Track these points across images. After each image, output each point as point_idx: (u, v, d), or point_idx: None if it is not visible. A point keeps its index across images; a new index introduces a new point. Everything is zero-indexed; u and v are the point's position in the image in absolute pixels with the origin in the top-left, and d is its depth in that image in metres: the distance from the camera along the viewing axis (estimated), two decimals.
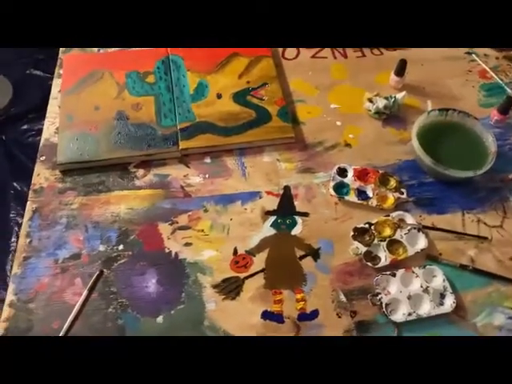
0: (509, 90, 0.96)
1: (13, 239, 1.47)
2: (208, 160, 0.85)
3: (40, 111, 1.70)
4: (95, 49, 0.99)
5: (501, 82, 0.97)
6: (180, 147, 0.83)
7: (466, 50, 1.03)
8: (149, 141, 0.84)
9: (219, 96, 0.90)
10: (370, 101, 0.92)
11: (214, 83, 0.92)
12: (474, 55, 1.02)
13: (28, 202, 0.78)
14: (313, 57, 1.01)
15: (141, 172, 0.82)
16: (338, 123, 0.91)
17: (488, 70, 0.99)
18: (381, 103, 0.90)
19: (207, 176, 0.83)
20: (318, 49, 1.02)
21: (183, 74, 0.93)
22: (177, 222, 0.77)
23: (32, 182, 0.80)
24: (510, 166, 0.86)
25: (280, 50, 1.01)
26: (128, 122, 0.86)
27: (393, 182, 0.82)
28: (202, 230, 0.76)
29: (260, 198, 0.80)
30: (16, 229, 1.48)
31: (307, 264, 0.74)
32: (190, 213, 0.78)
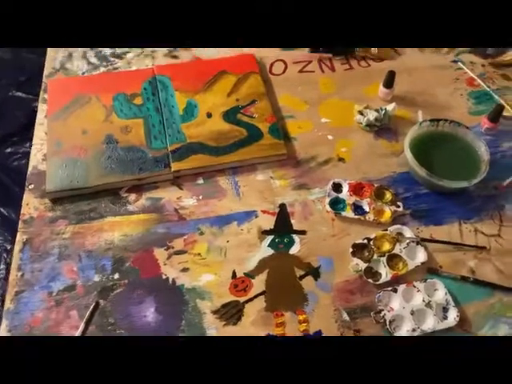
0: (497, 98, 0.96)
1: (1, 266, 1.43)
2: (201, 181, 0.83)
3: (24, 134, 1.68)
4: (80, 72, 0.98)
5: (488, 90, 0.98)
6: (172, 169, 0.82)
7: (453, 58, 1.04)
8: (140, 164, 0.82)
9: (209, 115, 0.89)
10: (361, 113, 0.91)
11: (203, 102, 0.91)
12: (460, 63, 1.03)
13: (18, 234, 0.76)
14: (300, 71, 1.01)
15: (133, 197, 0.81)
16: (330, 137, 0.90)
17: (475, 77, 1.00)
18: (371, 115, 0.90)
19: (201, 197, 0.81)
20: (305, 63, 1.02)
21: (171, 94, 0.92)
22: (172, 247, 0.75)
23: (21, 211, 0.78)
24: (502, 173, 0.86)
25: (267, 65, 1.01)
26: (117, 146, 0.84)
27: (388, 195, 0.82)
28: (199, 254, 0.75)
29: (256, 217, 0.79)
30: (4, 255, 1.44)
31: (308, 283, 0.73)
32: (185, 236, 0.77)
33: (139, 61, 1.01)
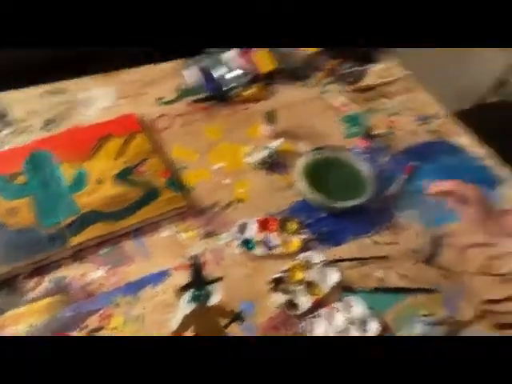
0: (365, 119, 1.06)
1: None
2: (105, 250, 0.80)
3: None
4: None
5: (357, 113, 1.08)
6: (71, 244, 0.78)
7: (320, 89, 1.13)
8: (34, 246, 0.77)
9: (100, 181, 0.87)
10: (251, 154, 0.95)
11: (92, 170, 0.88)
12: (327, 93, 1.12)
13: None
14: (185, 123, 1.02)
15: (33, 282, 0.75)
16: (226, 181, 0.92)
17: (343, 103, 1.10)
18: (261, 154, 0.94)
19: (108, 267, 0.78)
20: (188, 114, 1.04)
21: (56, 166, 0.88)
22: (87, 327, 0.71)
23: None
24: (384, 185, 0.94)
25: (151, 122, 1.01)
26: (6, 230, 0.78)
27: (293, 226, 0.85)
28: (116, 328, 0.71)
29: (169, 275, 0.77)
30: None
31: (234, 330, 0.72)
32: (99, 312, 0.72)
33: (14, 138, 0.95)
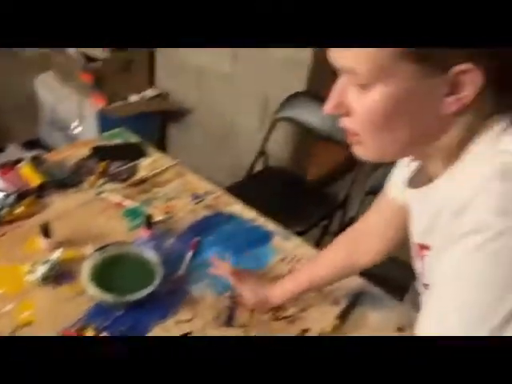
0: (144, 209, 1.11)
1: None
2: None
3: None
4: None
5: (135, 206, 1.12)
6: None
7: (96, 191, 1.16)
8: None
9: None
10: (31, 271, 0.91)
11: None
12: (103, 193, 1.15)
13: None
14: None
15: None
16: (7, 308, 0.86)
17: (120, 201, 1.13)
18: (43, 269, 0.90)
19: None
20: None
21: None
22: None
23: None
24: (174, 266, 0.98)
25: None
26: None
27: (90, 333, 0.82)
28: None
29: None
30: None
31: None
32: None
33: None
